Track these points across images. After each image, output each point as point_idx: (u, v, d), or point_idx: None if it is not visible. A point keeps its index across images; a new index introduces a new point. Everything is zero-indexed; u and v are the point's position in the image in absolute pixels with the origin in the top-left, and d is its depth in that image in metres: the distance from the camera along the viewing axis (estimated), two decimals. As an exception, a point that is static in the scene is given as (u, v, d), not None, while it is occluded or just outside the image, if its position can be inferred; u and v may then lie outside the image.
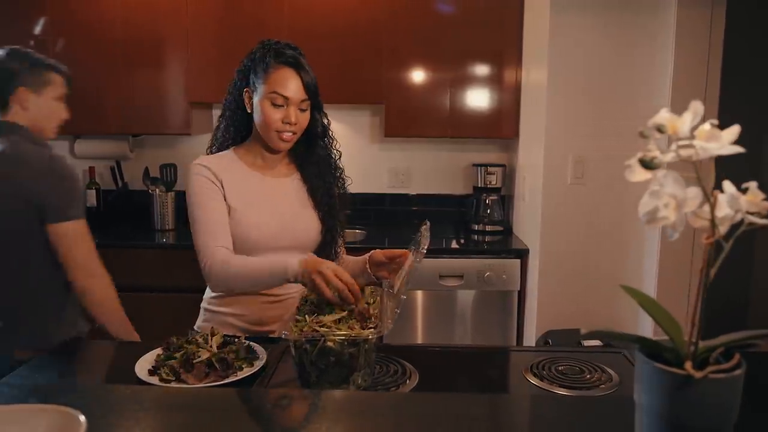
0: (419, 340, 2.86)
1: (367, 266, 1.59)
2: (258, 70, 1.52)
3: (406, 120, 3.06)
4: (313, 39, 2.99)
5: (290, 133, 1.52)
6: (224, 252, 1.46)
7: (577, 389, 1.26)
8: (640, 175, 0.60)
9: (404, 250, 1.52)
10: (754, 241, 3.20)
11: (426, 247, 1.33)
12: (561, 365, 1.37)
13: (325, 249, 1.63)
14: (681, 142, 0.59)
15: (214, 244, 1.46)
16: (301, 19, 2.97)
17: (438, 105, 3.03)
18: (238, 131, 1.62)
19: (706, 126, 0.61)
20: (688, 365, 0.66)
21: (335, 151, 1.67)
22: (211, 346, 1.32)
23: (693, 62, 2.26)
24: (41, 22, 3.04)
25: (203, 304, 1.66)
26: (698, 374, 0.64)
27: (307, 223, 1.60)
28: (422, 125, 3.07)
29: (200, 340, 1.36)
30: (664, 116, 0.58)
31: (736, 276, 3.09)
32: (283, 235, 1.55)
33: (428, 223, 1.40)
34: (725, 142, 0.60)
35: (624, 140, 2.44)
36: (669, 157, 0.59)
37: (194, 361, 1.27)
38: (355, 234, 3.26)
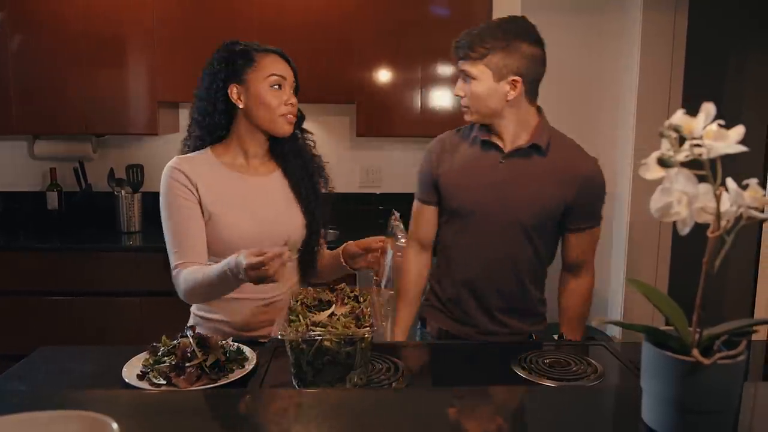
0: (389, 338, 2.87)
1: (342, 259, 1.59)
2: (241, 63, 1.51)
3: (377, 119, 3.07)
4: (284, 38, 2.94)
5: (292, 115, 1.55)
6: (185, 272, 1.46)
7: (565, 381, 1.29)
8: (655, 172, 0.63)
9: (376, 237, 1.54)
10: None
11: (403, 238, 1.33)
12: (547, 358, 1.40)
13: (310, 243, 1.63)
14: (692, 141, 0.62)
15: (180, 261, 1.48)
16: (271, 17, 2.94)
17: (409, 104, 3.05)
18: (215, 132, 1.58)
19: (714, 126, 0.64)
20: (696, 353, 0.69)
21: (310, 141, 1.67)
22: (201, 350, 1.31)
23: (658, 62, 2.35)
24: (-4, 17, 2.92)
25: (192, 309, 1.64)
26: (707, 361, 0.67)
27: (292, 221, 1.59)
28: (393, 124, 3.09)
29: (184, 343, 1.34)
30: (679, 117, 0.61)
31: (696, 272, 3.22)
32: (263, 236, 1.53)
33: (396, 214, 1.42)
34: (732, 141, 0.64)
35: (593, 137, 2.52)
36: (682, 155, 0.62)
37: (186, 365, 1.26)
38: (327, 234, 3.25)
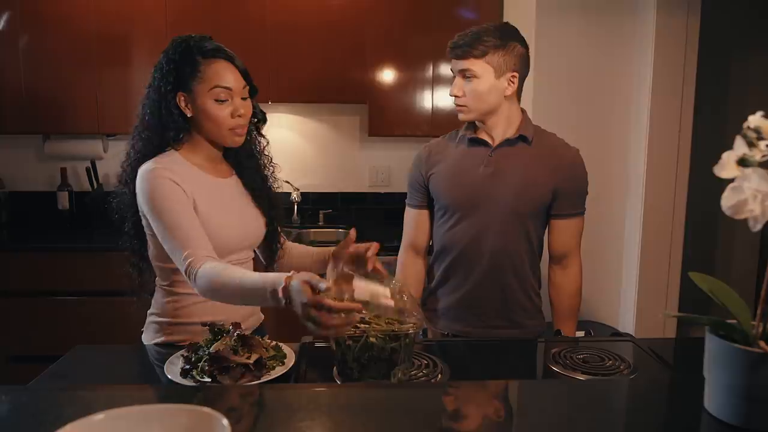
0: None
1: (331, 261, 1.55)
2: (187, 71, 1.44)
3: (388, 119, 3.09)
4: (296, 38, 2.99)
5: (242, 126, 1.48)
6: (210, 266, 1.33)
7: (600, 375, 1.32)
8: (730, 171, 0.66)
9: (364, 244, 1.46)
10: (717, 237, 3.41)
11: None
12: (580, 354, 1.43)
13: (271, 241, 1.62)
14: (766, 142, 0.65)
15: (199, 253, 1.35)
16: (283, 18, 2.96)
17: (420, 104, 3.08)
18: (169, 137, 1.48)
19: (783, 127, 0.67)
20: (763, 344, 0.72)
21: (263, 139, 1.62)
22: (244, 348, 1.32)
23: (671, 64, 2.39)
24: (6, 16, 2.91)
25: (154, 318, 1.56)
26: (775, 352, 0.70)
27: (256, 220, 1.58)
28: (405, 125, 3.12)
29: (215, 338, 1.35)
30: (758, 120, 0.65)
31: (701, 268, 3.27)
32: (244, 234, 1.53)
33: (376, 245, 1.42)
34: (802, 142, 0.67)
35: (606, 139, 2.56)
36: (759, 156, 0.65)
37: (231, 364, 1.27)
38: (338, 233, 3.27)
